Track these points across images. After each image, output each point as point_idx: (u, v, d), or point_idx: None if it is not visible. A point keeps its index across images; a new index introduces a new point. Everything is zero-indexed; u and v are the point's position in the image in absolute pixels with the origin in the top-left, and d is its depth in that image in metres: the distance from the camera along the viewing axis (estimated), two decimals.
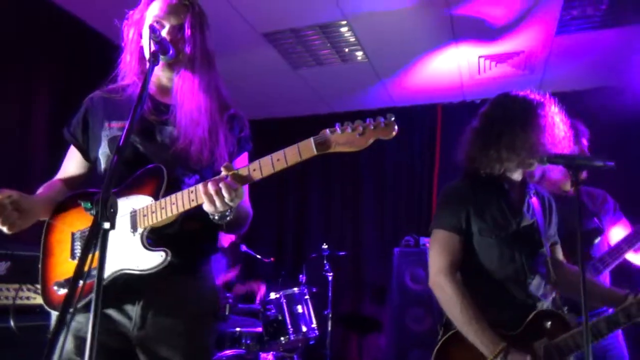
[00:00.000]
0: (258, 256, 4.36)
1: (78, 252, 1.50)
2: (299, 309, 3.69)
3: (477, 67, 4.40)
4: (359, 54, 4.19)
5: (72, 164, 1.67)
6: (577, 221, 1.58)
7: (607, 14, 3.56)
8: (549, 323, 1.77)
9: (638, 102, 4.36)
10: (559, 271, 1.95)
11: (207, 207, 1.32)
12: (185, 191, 1.36)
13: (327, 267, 4.34)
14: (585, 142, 2.42)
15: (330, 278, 4.31)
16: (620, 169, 1.64)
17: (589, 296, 1.86)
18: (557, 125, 1.82)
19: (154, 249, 1.39)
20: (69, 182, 1.67)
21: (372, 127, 1.22)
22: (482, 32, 3.82)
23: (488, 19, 3.64)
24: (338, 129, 1.23)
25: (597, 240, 2.44)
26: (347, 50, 4.14)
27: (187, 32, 1.53)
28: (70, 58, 3.70)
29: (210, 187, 1.29)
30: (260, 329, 3.62)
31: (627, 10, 3.52)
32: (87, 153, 1.64)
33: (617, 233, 2.49)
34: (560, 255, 2.06)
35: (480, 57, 4.21)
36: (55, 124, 1.71)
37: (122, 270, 1.40)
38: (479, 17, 3.62)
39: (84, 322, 1.41)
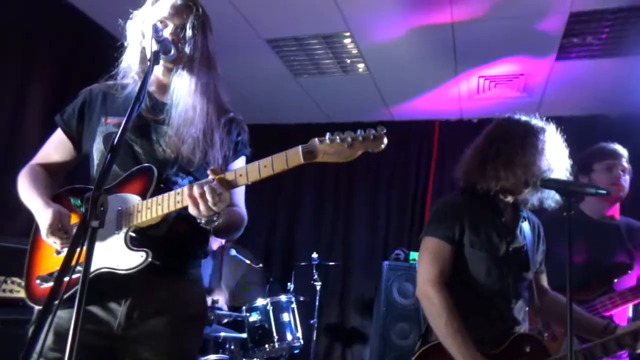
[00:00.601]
0: (247, 261, 4.33)
1: (64, 248, 1.48)
2: (285, 317, 3.67)
3: (476, 86, 4.43)
4: (361, 66, 4.22)
5: (58, 151, 1.64)
6: (568, 248, 1.58)
7: (607, 43, 3.61)
8: (529, 347, 1.78)
9: (634, 132, 4.41)
10: (543, 299, 1.97)
11: (191, 210, 1.31)
12: (172, 192, 1.35)
13: (316, 276, 4.32)
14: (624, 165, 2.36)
15: (318, 287, 4.30)
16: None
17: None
18: (555, 152, 1.84)
19: (135, 249, 1.38)
20: (51, 168, 1.64)
21: (361, 139, 1.21)
22: (484, 53, 3.86)
23: (490, 41, 3.68)
24: (327, 138, 1.23)
25: (622, 276, 2.32)
26: (348, 61, 4.17)
27: (189, 32, 1.54)
28: (70, 51, 3.69)
29: (195, 190, 1.28)
30: (244, 335, 3.59)
31: (626, 42, 3.57)
32: (79, 144, 1.62)
33: None
34: (545, 283, 2.09)
35: (480, 77, 4.25)
36: (50, 115, 1.69)
37: (102, 268, 1.39)
38: (481, 39, 3.65)
39: (66, 318, 1.39)
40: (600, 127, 4.60)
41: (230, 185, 1.31)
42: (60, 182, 1.65)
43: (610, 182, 2.33)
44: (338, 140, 1.22)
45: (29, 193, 1.52)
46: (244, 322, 3.63)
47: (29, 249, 1.53)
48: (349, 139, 1.21)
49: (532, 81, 4.26)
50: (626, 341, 1.77)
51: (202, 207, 1.28)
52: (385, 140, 1.22)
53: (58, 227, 1.42)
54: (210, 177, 1.30)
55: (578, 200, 2.27)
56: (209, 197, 1.27)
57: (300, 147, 1.24)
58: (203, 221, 1.36)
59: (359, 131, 1.23)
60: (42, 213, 1.45)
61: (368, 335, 4.93)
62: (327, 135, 1.23)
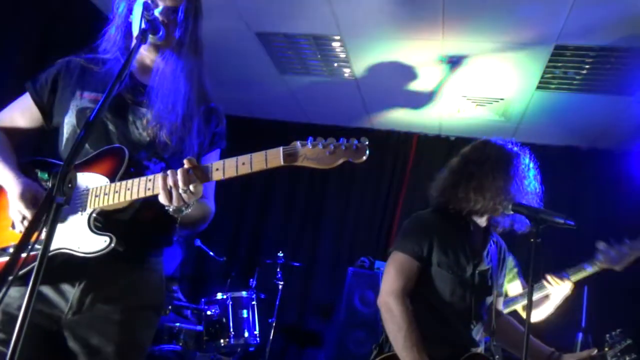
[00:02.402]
0: (211, 253, 4.28)
1: (17, 223, 1.41)
2: (244, 313, 3.63)
3: (458, 105, 4.50)
4: (347, 70, 4.22)
5: (24, 117, 1.56)
6: (531, 272, 1.61)
7: (587, 79, 3.72)
8: None
9: (604, 168, 4.57)
10: (498, 321, 2.01)
11: (162, 199, 1.28)
12: (144, 178, 1.31)
13: (280, 275, 4.30)
14: None
15: (280, 287, 4.27)
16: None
17: (520, 350, 1.93)
18: (528, 178, 1.88)
19: (99, 232, 1.33)
20: (13, 133, 1.56)
21: (344, 148, 1.20)
22: (469, 72, 3.92)
23: (476, 62, 3.74)
24: (309, 143, 1.21)
25: None
26: (335, 65, 4.16)
27: (181, 16, 1.50)
28: (51, 17, 3.54)
29: (169, 180, 1.25)
30: (200, 328, 3.53)
31: (605, 80, 3.69)
32: (48, 115, 1.55)
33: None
34: (500, 306, 2.12)
35: (463, 96, 4.31)
36: (24, 83, 1.61)
37: (61, 249, 1.33)
38: (468, 58, 3.71)
39: (15, 297, 1.33)
40: (572, 159, 4.75)
41: (205, 178, 1.28)
42: (24, 151, 1.58)
43: None
44: (320, 146, 1.20)
45: None
46: (201, 314, 3.57)
47: None
48: (331, 146, 1.20)
49: (512, 107, 4.35)
50: None
51: (174, 197, 1.25)
52: (367, 153, 1.21)
53: (28, 198, 1.36)
54: (186, 166, 1.27)
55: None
56: (182, 188, 1.24)
57: (281, 149, 1.22)
58: (171, 209, 1.32)
59: (341, 139, 1.22)
60: (12, 180, 1.38)
61: (324, 340, 4.93)
62: (309, 139, 1.22)
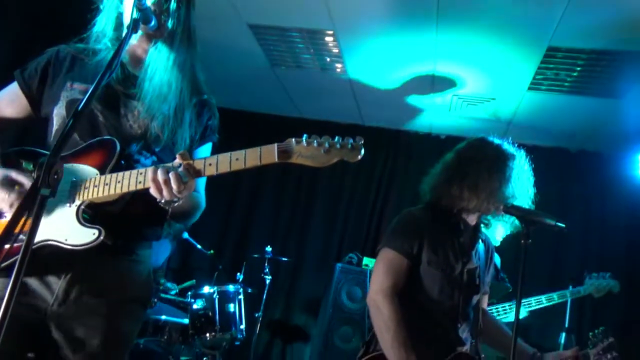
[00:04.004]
0: (198, 246, 4.24)
1: (6, 213, 1.38)
2: (231, 307, 3.61)
3: (449, 104, 4.50)
4: (339, 66, 4.20)
5: (12, 105, 1.53)
6: (521, 271, 1.62)
7: (578, 81, 3.75)
8: None
9: (591, 170, 4.61)
10: (483, 319, 2.01)
11: (153, 193, 1.26)
12: (135, 171, 1.29)
13: (267, 270, 4.28)
14: None
15: (268, 281, 4.26)
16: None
17: (503, 349, 1.96)
18: (522, 180, 1.88)
19: (88, 225, 1.31)
20: (0, 123, 1.53)
21: (339, 147, 1.20)
22: (462, 71, 3.92)
23: (469, 61, 3.75)
24: (304, 140, 1.20)
25: None
26: (328, 60, 4.14)
27: (173, 5, 1.47)
28: (40, 4, 3.47)
29: (160, 175, 1.23)
30: (186, 321, 3.51)
31: (595, 82, 3.72)
32: (37, 105, 1.52)
33: None
34: (485, 304, 2.13)
35: (454, 95, 4.31)
36: (11, 72, 1.57)
37: (48, 240, 1.31)
38: (461, 57, 3.71)
39: None
40: (560, 161, 4.79)
41: (198, 173, 1.26)
42: (9, 140, 1.54)
43: None
44: (315, 144, 1.19)
45: None
46: (188, 307, 3.54)
47: None
48: (326, 145, 1.19)
49: (503, 106, 4.37)
50: None
51: (165, 192, 1.24)
52: (362, 152, 1.21)
53: (10, 182, 1.33)
54: (178, 161, 1.25)
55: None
56: (174, 184, 1.23)
57: (275, 145, 1.21)
58: (163, 201, 1.30)
59: (336, 138, 1.21)
60: None
61: (310, 335, 4.93)
62: (304, 136, 1.21)
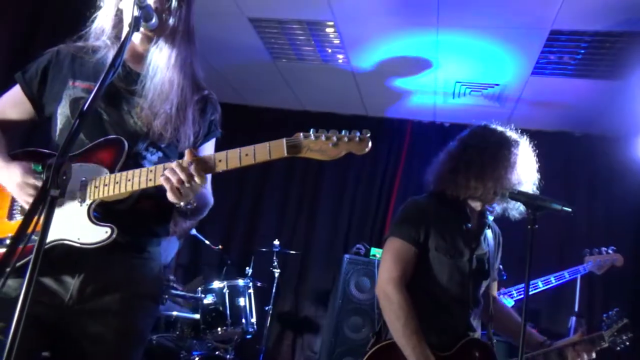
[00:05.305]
0: (207, 242, 4.27)
1: (17, 214, 1.40)
2: (241, 301, 3.63)
3: (452, 91, 4.48)
4: (340, 57, 4.19)
5: (15, 108, 1.54)
6: (528, 258, 1.62)
7: (581, 64, 3.71)
8: (478, 353, 1.82)
9: (596, 154, 4.58)
10: (494, 306, 2.02)
11: (171, 198, 1.29)
12: (144, 169, 1.31)
13: (275, 263, 4.30)
14: None
15: (277, 274, 4.28)
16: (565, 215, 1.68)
17: (514, 336, 1.97)
18: (526, 166, 1.87)
19: (99, 223, 1.32)
20: (5, 125, 1.54)
21: (347, 140, 1.21)
22: (465, 58, 3.90)
23: (472, 49, 3.72)
24: (312, 135, 1.21)
25: None
26: (329, 51, 4.13)
27: (175, 3, 1.47)
28: (37, 3, 3.47)
29: (172, 178, 1.25)
30: (197, 316, 3.53)
31: (599, 65, 3.69)
32: (39, 106, 1.53)
33: None
34: (495, 291, 2.13)
35: (457, 82, 4.29)
36: (10, 73, 1.58)
37: (61, 240, 1.32)
38: (463, 45, 3.69)
39: (13, 287, 1.32)
40: (564, 145, 4.76)
41: (208, 169, 1.28)
42: (14, 142, 1.56)
43: None
44: (323, 138, 1.21)
45: None
46: (198, 303, 3.57)
47: None
48: (334, 138, 1.21)
49: (507, 92, 4.34)
50: (567, 352, 1.87)
51: (184, 191, 1.27)
52: (370, 145, 1.22)
53: (28, 183, 1.35)
54: (187, 158, 1.26)
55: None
56: (186, 184, 1.25)
57: (284, 140, 1.22)
58: (182, 203, 1.33)
59: (344, 131, 1.23)
60: (7, 170, 1.37)
61: (320, 326, 4.96)
62: (312, 131, 1.22)
